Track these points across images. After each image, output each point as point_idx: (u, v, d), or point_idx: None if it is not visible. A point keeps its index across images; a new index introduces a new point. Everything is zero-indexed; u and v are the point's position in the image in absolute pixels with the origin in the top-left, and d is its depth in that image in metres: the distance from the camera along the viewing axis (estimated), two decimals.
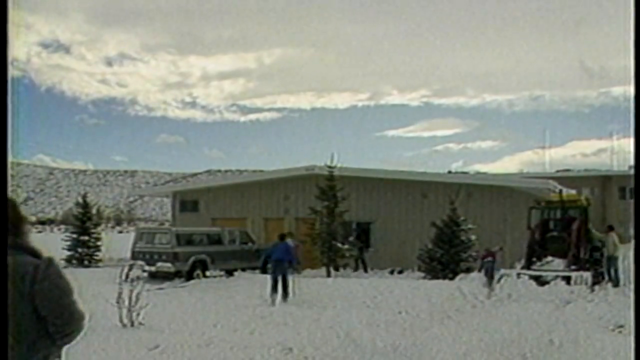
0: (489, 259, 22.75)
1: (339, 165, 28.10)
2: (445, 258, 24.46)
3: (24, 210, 3.07)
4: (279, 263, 18.96)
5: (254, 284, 20.55)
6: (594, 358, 9.40)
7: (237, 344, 10.66)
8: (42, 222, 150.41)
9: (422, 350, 9.25)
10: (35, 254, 3.37)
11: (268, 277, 19.10)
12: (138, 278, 15.96)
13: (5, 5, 2.63)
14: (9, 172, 2.62)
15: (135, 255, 24.97)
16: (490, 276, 21.00)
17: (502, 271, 20.39)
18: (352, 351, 9.26)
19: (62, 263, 30.01)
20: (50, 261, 3.35)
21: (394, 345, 9.41)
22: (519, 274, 19.77)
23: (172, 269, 23.64)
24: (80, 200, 35.04)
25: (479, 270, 22.63)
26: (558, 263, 20.46)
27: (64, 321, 3.33)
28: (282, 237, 20.86)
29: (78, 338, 3.43)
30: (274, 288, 18.35)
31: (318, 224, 27.77)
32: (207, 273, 24.87)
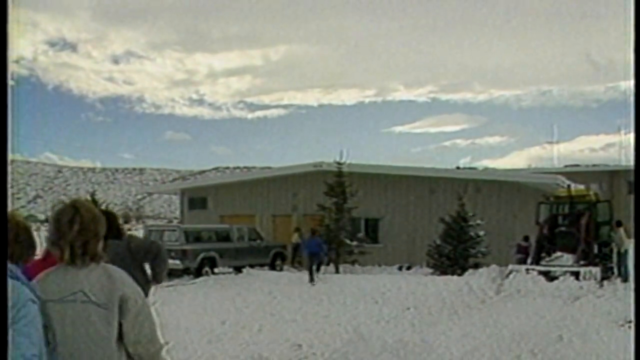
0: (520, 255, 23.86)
1: (347, 161, 28.12)
2: (454, 254, 24.46)
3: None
4: (314, 255, 22.91)
5: (263, 281, 20.58)
6: (603, 353, 9.38)
7: (246, 340, 10.69)
8: None
9: (431, 346, 9.25)
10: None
11: (282, 273, 19.19)
12: None
13: (5, 4, 2.63)
14: (9, 171, 2.58)
15: None
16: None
17: (511, 266, 20.34)
18: (361, 347, 9.26)
19: None
20: (159, 243, 7.49)
21: (403, 341, 9.41)
22: (527, 270, 19.72)
23: (181, 266, 23.65)
24: (88, 198, 35.09)
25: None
26: (567, 258, 20.41)
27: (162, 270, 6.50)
28: (314, 232, 24.94)
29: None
30: (312, 276, 21.47)
31: (327, 220, 27.79)
32: (216, 270, 24.88)
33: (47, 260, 3.67)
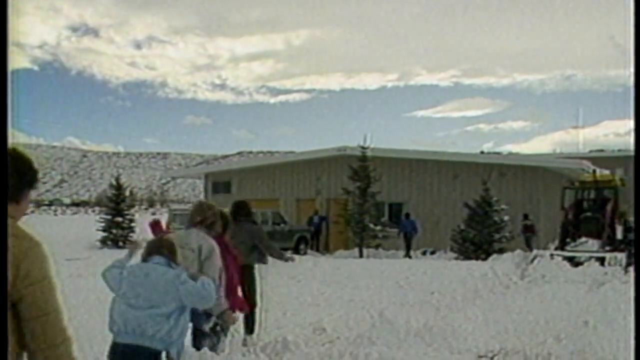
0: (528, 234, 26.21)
1: (371, 146, 28.11)
2: (478, 238, 24.41)
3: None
4: (410, 234, 28.31)
5: (286, 264, 20.61)
6: (630, 340, 9.35)
7: (270, 324, 10.73)
8: (76, 204, 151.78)
9: (456, 331, 9.26)
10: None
11: (306, 257, 19.30)
12: None
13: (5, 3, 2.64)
14: (7, 170, 2.61)
15: None
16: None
17: (536, 252, 20.27)
18: (386, 331, 9.28)
19: (97, 244, 30.40)
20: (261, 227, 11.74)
21: (428, 325, 9.42)
22: (552, 255, 19.65)
23: None
24: (113, 182, 35.28)
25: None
26: (592, 244, 20.32)
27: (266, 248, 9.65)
28: (407, 215, 29.20)
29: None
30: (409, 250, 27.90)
31: (350, 204, 27.83)
32: None
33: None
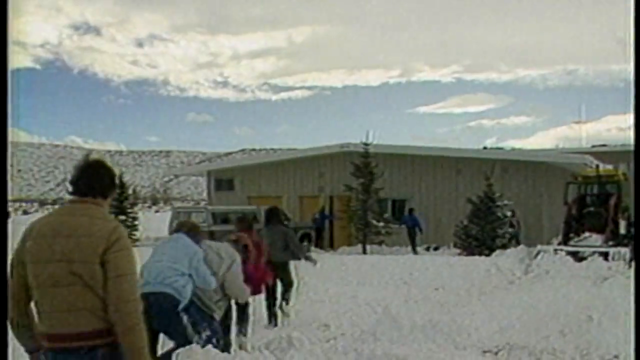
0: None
1: (374, 142, 28.09)
2: (481, 234, 24.38)
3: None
4: (412, 229, 28.13)
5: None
6: (633, 334, 9.34)
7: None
8: None
9: (461, 327, 9.26)
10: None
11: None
12: None
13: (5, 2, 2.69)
14: (8, 172, 2.77)
15: (172, 234, 25.19)
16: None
17: (539, 247, 20.25)
18: (390, 327, 9.29)
19: None
20: (291, 230, 12.81)
21: (432, 321, 9.42)
22: (556, 250, 19.62)
23: None
24: (116, 180, 35.27)
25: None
26: (595, 239, 20.27)
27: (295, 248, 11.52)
28: (411, 210, 29.04)
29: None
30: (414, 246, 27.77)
31: (354, 201, 27.85)
32: None
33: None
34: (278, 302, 11.00)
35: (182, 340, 6.24)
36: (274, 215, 11.58)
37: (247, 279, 7.73)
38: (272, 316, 10.84)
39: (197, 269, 6.63)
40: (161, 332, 6.48)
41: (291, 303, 11.36)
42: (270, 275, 9.52)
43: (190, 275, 6.55)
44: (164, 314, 6.24)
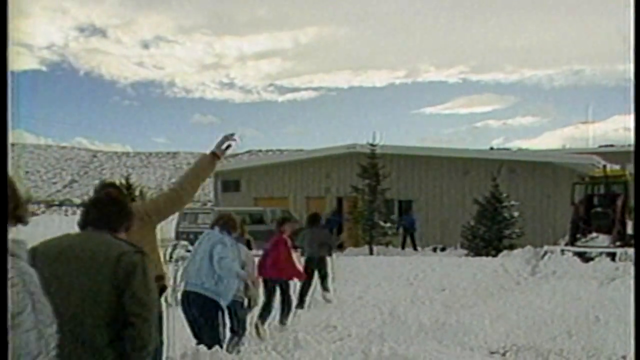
0: None
1: (380, 143, 28.10)
2: (488, 235, 24.37)
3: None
4: (409, 229, 29.06)
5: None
6: (634, 334, 9.32)
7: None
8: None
9: (467, 327, 9.26)
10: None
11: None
12: (182, 258, 16.13)
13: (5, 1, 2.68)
14: (8, 172, 2.69)
15: (178, 236, 25.23)
16: None
17: (546, 247, 20.20)
18: (397, 328, 9.30)
19: None
20: (329, 232, 15.85)
21: (439, 322, 9.43)
22: (563, 251, 19.56)
23: None
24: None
25: None
26: (602, 239, 20.20)
27: (332, 246, 14.87)
28: (407, 211, 30.11)
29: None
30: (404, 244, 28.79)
31: (360, 202, 27.84)
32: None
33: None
34: (311, 290, 13.22)
35: (210, 342, 6.92)
36: (315, 220, 14.10)
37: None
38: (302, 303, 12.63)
39: (218, 253, 7.27)
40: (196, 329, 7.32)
41: (331, 290, 13.80)
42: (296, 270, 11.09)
43: (210, 254, 7.31)
44: (201, 315, 7.19)
